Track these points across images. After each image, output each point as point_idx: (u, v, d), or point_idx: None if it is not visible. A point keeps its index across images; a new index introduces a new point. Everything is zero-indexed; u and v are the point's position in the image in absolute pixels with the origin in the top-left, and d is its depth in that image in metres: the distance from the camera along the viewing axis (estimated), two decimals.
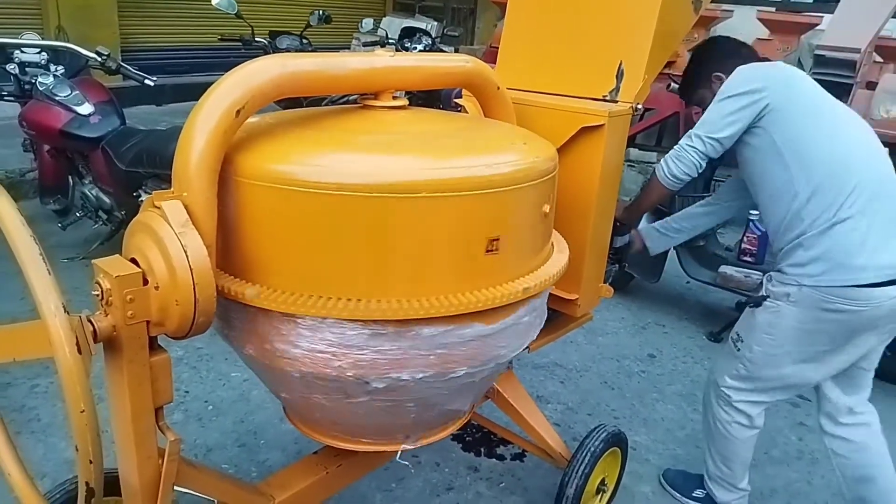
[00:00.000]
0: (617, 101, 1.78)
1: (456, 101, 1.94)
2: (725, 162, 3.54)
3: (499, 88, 1.68)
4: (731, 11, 5.77)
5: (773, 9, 6.03)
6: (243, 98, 1.17)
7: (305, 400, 1.42)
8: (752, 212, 3.49)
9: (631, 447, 2.30)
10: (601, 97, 1.80)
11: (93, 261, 1.11)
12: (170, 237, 1.10)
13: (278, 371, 1.33)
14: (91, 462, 1.01)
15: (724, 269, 3.34)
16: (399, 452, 1.58)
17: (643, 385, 2.96)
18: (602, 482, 2.04)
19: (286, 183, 1.19)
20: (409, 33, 5.75)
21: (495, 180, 1.26)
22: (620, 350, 3.24)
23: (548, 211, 1.44)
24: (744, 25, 5.60)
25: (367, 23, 5.86)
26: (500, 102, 1.70)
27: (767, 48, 5.28)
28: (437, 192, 1.21)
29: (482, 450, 2.43)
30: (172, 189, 1.17)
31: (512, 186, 1.29)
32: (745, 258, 3.41)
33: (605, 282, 2.00)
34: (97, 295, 1.09)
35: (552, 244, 1.55)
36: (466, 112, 1.82)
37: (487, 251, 1.29)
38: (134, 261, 1.13)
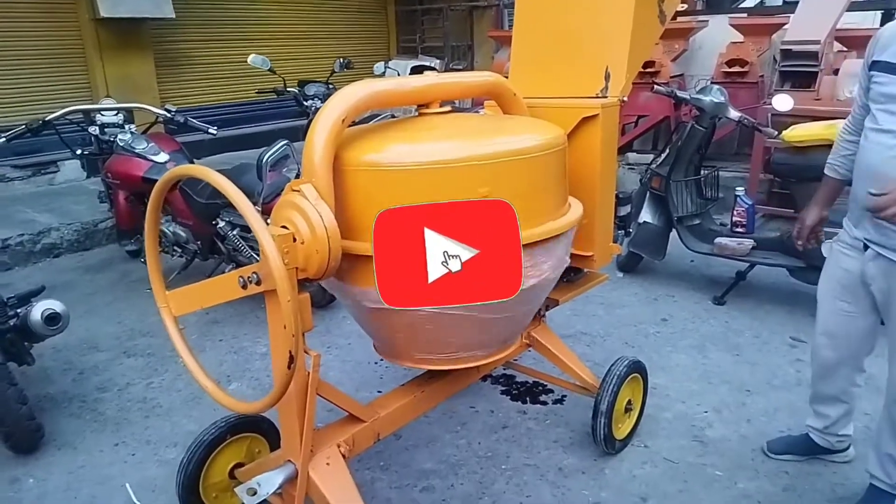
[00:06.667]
0: (607, 97, 2.30)
1: (478, 108, 2.48)
2: (709, 155, 4.08)
3: (515, 95, 2.21)
4: (707, 21, 6.33)
5: (745, 14, 6.61)
6: (345, 111, 1.70)
7: (400, 328, 1.91)
8: (738, 189, 4.00)
9: (652, 387, 2.76)
10: (595, 95, 2.32)
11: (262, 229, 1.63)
12: (308, 207, 1.62)
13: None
14: (293, 336, 1.51)
15: (719, 240, 3.83)
16: None
17: (659, 342, 3.43)
18: (628, 402, 2.50)
19: (376, 167, 1.71)
20: (418, 71, 6.38)
21: (522, 151, 1.78)
22: (636, 318, 3.72)
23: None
24: (719, 33, 6.15)
25: (379, 66, 6.50)
26: (517, 105, 2.23)
27: (742, 50, 5.82)
28: (478, 162, 1.71)
29: (527, 399, 2.91)
30: (302, 178, 1.69)
31: (535, 154, 1.80)
32: (737, 229, 3.90)
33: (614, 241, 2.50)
34: None
35: (569, 203, 2.06)
36: None
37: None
38: (284, 227, 1.65)
